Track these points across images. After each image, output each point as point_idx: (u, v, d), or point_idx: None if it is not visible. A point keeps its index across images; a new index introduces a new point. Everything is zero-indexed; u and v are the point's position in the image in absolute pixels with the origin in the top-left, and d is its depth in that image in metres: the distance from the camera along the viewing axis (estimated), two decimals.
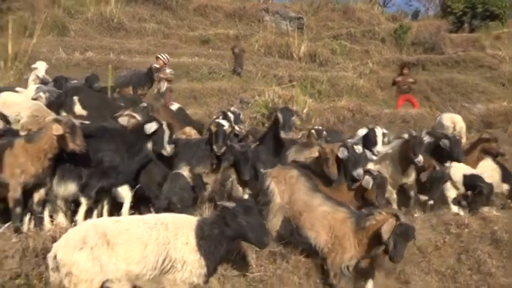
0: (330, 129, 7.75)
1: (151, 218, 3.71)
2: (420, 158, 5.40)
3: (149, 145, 4.74)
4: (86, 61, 11.39)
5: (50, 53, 11.96)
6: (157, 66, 9.85)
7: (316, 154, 5.19)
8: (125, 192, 4.71)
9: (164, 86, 9.95)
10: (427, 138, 6.29)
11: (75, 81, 8.28)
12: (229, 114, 6.61)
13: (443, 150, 5.91)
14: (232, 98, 11.24)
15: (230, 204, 3.61)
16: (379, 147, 5.75)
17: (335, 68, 14.41)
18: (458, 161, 5.89)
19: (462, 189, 5.95)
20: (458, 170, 6.02)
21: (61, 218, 4.66)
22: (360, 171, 4.75)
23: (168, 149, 4.72)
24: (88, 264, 3.28)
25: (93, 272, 3.29)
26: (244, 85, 11.90)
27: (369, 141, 5.79)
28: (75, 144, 4.31)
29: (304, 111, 8.82)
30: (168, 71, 9.68)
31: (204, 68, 12.90)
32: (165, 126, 4.75)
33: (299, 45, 15.43)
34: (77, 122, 4.44)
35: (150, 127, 4.62)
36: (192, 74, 12.65)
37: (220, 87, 11.81)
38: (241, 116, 7.03)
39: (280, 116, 5.51)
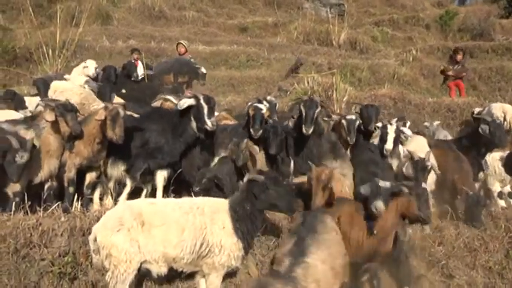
0: None
1: (186, 202, 3.76)
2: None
3: (193, 124, 4.78)
4: (129, 49, 11.61)
5: (94, 42, 12.34)
6: (180, 53, 10.12)
7: None
8: (160, 177, 4.80)
9: None
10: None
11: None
12: (265, 103, 6.29)
13: (483, 137, 5.62)
14: (270, 86, 11.16)
15: (259, 177, 3.66)
16: (389, 145, 5.43)
17: (376, 56, 13.99)
18: (501, 146, 5.58)
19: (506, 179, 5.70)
20: (495, 161, 5.75)
21: (110, 200, 4.85)
22: (379, 203, 3.92)
23: (209, 124, 4.68)
24: (126, 245, 3.35)
25: (132, 252, 3.37)
26: (282, 73, 11.78)
27: (380, 138, 5.56)
28: (114, 133, 4.46)
29: (344, 99, 8.62)
30: (189, 57, 9.93)
31: (243, 55, 12.90)
32: (202, 101, 4.72)
33: (339, 32, 15.07)
34: (122, 112, 4.54)
35: (184, 102, 4.63)
36: (230, 61, 12.68)
37: (258, 75, 11.77)
38: (277, 107, 6.73)
39: (303, 109, 5.22)
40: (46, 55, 9.87)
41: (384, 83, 11.27)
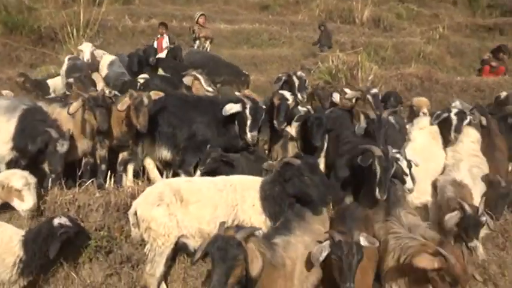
0: None
1: (220, 180, 3.83)
2: None
3: (236, 128, 4.58)
4: (151, 28, 11.63)
5: (116, 21, 12.37)
6: (198, 26, 10.13)
7: None
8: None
9: (208, 45, 10.29)
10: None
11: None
12: (295, 79, 6.07)
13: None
14: (292, 65, 11.03)
15: (295, 161, 3.58)
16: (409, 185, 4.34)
17: (401, 34, 13.63)
18: None
19: None
20: None
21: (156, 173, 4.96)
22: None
23: (249, 137, 4.36)
24: (165, 220, 3.48)
25: (170, 226, 3.49)
26: (305, 52, 11.64)
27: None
28: (137, 121, 4.45)
29: (370, 78, 8.47)
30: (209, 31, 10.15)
31: (265, 34, 12.75)
32: (248, 111, 4.43)
33: (362, 9, 14.71)
34: (147, 101, 4.47)
35: (230, 108, 4.32)
36: (252, 40, 12.57)
37: (280, 54, 11.65)
38: (306, 83, 6.50)
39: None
40: (70, 34, 9.96)
41: (409, 61, 11.00)
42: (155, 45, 9.68)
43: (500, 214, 4.63)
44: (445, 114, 5.06)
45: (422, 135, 5.06)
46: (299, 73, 6.14)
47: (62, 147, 4.29)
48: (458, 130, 4.96)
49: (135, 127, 4.52)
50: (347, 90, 6.27)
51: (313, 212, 3.62)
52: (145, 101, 4.44)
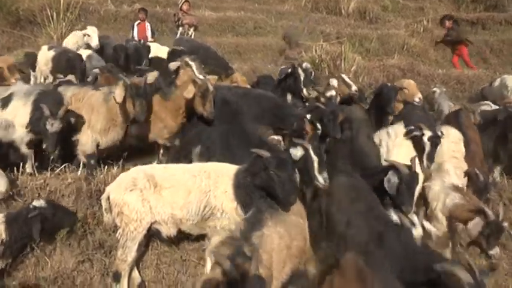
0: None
1: (196, 166, 3.82)
2: None
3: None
4: (134, 13, 11.38)
5: (99, 5, 12.06)
6: (182, 13, 10.00)
7: None
8: None
9: (192, 32, 10.19)
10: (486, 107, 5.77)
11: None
12: (300, 72, 5.58)
13: None
14: (277, 54, 11.00)
15: (264, 153, 3.53)
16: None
17: (386, 26, 13.61)
18: None
19: None
20: None
21: None
22: None
23: (320, 180, 3.80)
24: (138, 205, 3.46)
25: (143, 212, 3.47)
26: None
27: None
28: (204, 109, 4.44)
29: (353, 69, 8.49)
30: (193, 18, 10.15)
31: (250, 22, 12.61)
32: (313, 154, 3.87)
33: (348, 1, 14.62)
34: (211, 87, 4.45)
35: (296, 152, 3.74)
36: (237, 28, 12.41)
37: (265, 43, 11.56)
38: (312, 75, 6.13)
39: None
40: (50, 18, 9.71)
41: (393, 53, 11.07)
42: (135, 31, 9.55)
43: None
44: (417, 133, 4.53)
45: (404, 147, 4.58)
46: (305, 65, 5.79)
47: (52, 126, 4.24)
48: (431, 159, 4.46)
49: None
50: (345, 77, 6.37)
51: (281, 207, 3.46)
52: (211, 87, 4.40)
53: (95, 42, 7.14)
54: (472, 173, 4.65)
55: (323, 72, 8.47)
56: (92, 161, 4.62)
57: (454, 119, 5.41)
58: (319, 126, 4.70)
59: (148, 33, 9.53)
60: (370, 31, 12.55)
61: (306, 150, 3.77)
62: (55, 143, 4.30)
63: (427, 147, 4.43)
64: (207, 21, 12.22)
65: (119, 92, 4.25)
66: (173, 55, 6.57)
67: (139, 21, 9.64)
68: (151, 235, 3.78)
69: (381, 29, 12.87)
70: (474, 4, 15.67)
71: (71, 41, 7.69)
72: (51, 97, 4.58)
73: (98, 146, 4.65)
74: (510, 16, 13.55)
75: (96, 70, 5.92)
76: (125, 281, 3.55)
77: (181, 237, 3.89)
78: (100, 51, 7.53)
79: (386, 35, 12.21)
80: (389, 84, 6.05)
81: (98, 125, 4.55)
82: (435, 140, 4.46)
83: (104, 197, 3.68)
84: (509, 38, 12.23)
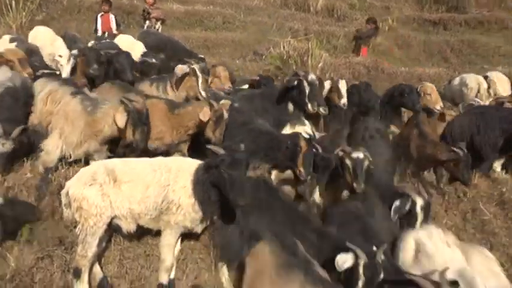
0: None
1: (157, 160, 3.76)
2: None
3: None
4: (98, 4, 11.09)
5: None
6: (149, 6, 9.97)
7: None
8: None
9: (159, 26, 10.12)
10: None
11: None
12: (305, 85, 5.07)
13: None
14: (246, 50, 11.03)
15: (219, 151, 3.51)
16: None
17: (353, 24, 13.90)
18: None
19: None
20: None
21: None
22: None
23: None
24: (97, 200, 3.40)
25: (103, 207, 3.42)
26: (258, 37, 11.62)
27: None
28: (213, 135, 4.30)
29: (319, 65, 8.62)
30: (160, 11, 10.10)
31: (218, 17, 12.57)
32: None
33: None
34: (226, 114, 4.35)
35: (345, 261, 2.99)
36: (206, 22, 12.36)
37: (234, 38, 11.57)
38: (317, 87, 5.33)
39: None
40: (9, 7, 9.33)
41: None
42: (99, 23, 9.33)
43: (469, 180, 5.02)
44: (408, 206, 4.05)
45: None
46: (310, 77, 5.09)
47: (2, 146, 4.06)
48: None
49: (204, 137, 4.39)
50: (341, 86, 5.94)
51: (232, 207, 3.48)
52: (226, 114, 4.32)
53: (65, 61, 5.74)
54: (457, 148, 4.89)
55: (290, 68, 8.55)
56: (48, 175, 4.18)
57: (412, 122, 5.59)
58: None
59: (113, 25, 9.31)
60: (337, 28, 12.80)
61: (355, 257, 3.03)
62: (4, 164, 4.06)
63: (419, 218, 4.06)
64: (175, 15, 12.10)
65: (120, 118, 3.91)
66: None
67: (102, 12, 9.40)
68: (114, 230, 3.72)
69: (348, 27, 13.14)
70: (437, 5, 16.22)
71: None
72: (20, 93, 4.31)
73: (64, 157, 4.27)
74: (470, 18, 14.14)
75: (75, 52, 5.53)
76: (85, 277, 3.47)
77: (144, 231, 3.85)
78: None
79: (353, 33, 12.46)
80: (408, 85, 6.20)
81: (72, 137, 4.14)
82: (427, 209, 4.12)
83: (63, 192, 3.59)
84: (468, 39, 12.76)
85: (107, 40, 7.71)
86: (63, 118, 4.17)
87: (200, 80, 4.75)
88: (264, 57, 9.48)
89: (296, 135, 4.44)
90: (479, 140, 5.42)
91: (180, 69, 4.78)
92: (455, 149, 4.81)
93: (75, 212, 3.45)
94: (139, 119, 3.99)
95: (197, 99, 4.97)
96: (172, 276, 3.77)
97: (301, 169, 4.19)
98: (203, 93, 4.76)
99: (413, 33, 13.11)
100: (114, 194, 3.45)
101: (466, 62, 12.13)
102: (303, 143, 4.26)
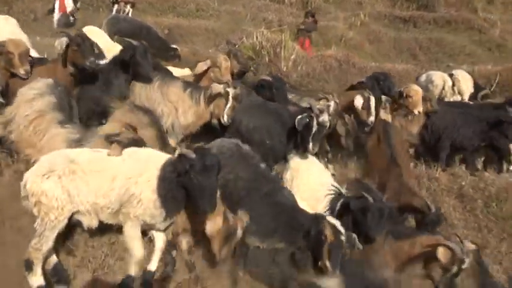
0: None
1: (128, 150, 3.51)
2: None
3: None
4: None
5: None
6: None
7: None
8: None
9: (129, 10, 9.90)
10: None
11: None
12: (314, 124, 4.57)
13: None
14: (219, 39, 10.94)
15: (189, 155, 3.22)
16: None
17: (326, 17, 14.04)
18: None
19: None
20: None
21: None
22: None
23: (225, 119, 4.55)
24: (57, 192, 3.20)
25: (63, 199, 3.22)
26: (232, 26, 11.54)
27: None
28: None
29: (292, 57, 8.66)
30: None
31: (192, 4, 12.41)
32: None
33: None
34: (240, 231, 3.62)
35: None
36: (178, 9, 12.18)
37: (207, 26, 11.44)
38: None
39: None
40: None
41: (331, 45, 11.45)
42: (56, 5, 9.04)
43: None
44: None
45: None
46: (322, 119, 4.59)
47: None
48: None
49: None
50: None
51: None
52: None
53: None
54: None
55: (263, 60, 8.56)
56: None
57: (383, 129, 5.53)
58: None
59: (68, 6, 9.06)
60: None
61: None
62: None
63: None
64: (147, 0, 11.82)
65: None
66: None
67: None
68: (72, 226, 3.53)
69: (321, 20, 13.21)
70: (408, 2, 16.57)
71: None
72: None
73: None
74: (438, 16, 14.53)
75: (64, 39, 4.74)
76: (38, 270, 3.28)
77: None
78: None
79: (326, 27, 12.60)
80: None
81: None
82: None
83: (22, 183, 3.30)
84: (436, 37, 13.13)
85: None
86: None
87: (229, 105, 4.66)
88: (236, 46, 9.41)
89: (319, 219, 3.63)
90: (456, 137, 5.84)
91: (215, 88, 4.65)
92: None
93: (34, 207, 3.24)
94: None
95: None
96: (153, 268, 3.61)
97: (327, 263, 3.47)
98: (225, 118, 4.70)
99: (384, 29, 13.37)
100: (74, 187, 3.23)
101: (433, 59, 12.48)
102: (328, 232, 3.50)
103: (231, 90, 4.73)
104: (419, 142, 6.19)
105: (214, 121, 4.96)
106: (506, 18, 14.94)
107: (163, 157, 3.46)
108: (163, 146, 3.95)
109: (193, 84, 5.15)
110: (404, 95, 5.94)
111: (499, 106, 6.49)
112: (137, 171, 3.32)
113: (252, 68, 8.32)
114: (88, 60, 4.48)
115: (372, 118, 5.52)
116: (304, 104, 5.25)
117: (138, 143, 3.68)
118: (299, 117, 4.49)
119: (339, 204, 4.09)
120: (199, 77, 5.33)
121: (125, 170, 3.32)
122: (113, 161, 3.37)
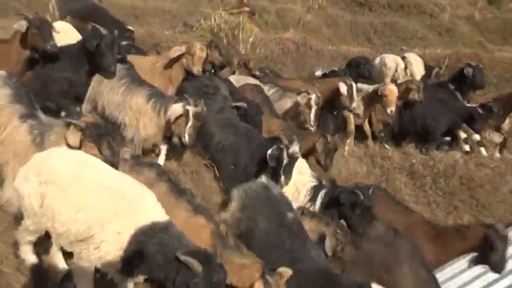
0: None
1: (124, 179, 2.87)
2: None
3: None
4: None
5: None
6: None
7: None
8: None
9: None
10: None
11: None
12: (285, 157, 4.21)
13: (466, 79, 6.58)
14: (176, 20, 10.72)
15: (194, 266, 2.40)
16: None
17: (284, 0, 14.10)
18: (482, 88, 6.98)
19: None
20: None
21: None
22: None
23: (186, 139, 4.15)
24: (34, 200, 2.80)
25: (39, 212, 2.79)
26: (189, 8, 11.34)
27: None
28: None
29: (250, 40, 8.67)
30: None
31: None
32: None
33: None
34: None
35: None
36: None
37: (164, 8, 11.18)
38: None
39: None
40: None
41: (289, 27, 11.53)
42: None
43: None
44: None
45: None
46: (292, 150, 4.30)
47: None
48: None
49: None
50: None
51: None
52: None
53: None
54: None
55: (221, 42, 8.49)
56: None
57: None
58: None
59: None
60: (269, 4, 12.88)
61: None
62: None
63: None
64: None
65: (72, 138, 3.26)
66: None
67: None
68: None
69: (279, 3, 13.27)
70: None
71: None
72: None
73: None
74: (392, 0, 14.93)
75: (23, 22, 4.27)
76: (25, 248, 3.04)
77: None
78: None
79: (284, 10, 12.66)
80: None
81: None
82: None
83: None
84: (390, 21, 13.53)
85: None
86: (11, 153, 3.48)
87: (189, 124, 4.26)
88: (194, 29, 9.30)
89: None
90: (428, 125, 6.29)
91: (173, 112, 4.23)
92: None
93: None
94: (98, 133, 3.34)
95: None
96: None
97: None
98: (187, 138, 4.27)
99: (341, 13, 13.62)
100: (47, 200, 2.72)
101: (387, 43, 12.88)
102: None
103: (191, 109, 4.25)
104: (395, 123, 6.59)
105: (175, 139, 4.42)
106: (455, 4, 15.62)
107: (160, 215, 2.70)
108: (179, 196, 3.39)
109: (158, 94, 4.62)
110: (380, 93, 5.99)
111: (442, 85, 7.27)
112: (114, 215, 2.62)
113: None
114: (48, 43, 4.23)
115: (355, 104, 5.68)
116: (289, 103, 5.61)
117: (97, 127, 3.39)
118: (269, 152, 4.19)
119: (323, 193, 4.16)
120: (171, 62, 5.00)
121: (99, 205, 2.65)
122: (94, 186, 2.72)
